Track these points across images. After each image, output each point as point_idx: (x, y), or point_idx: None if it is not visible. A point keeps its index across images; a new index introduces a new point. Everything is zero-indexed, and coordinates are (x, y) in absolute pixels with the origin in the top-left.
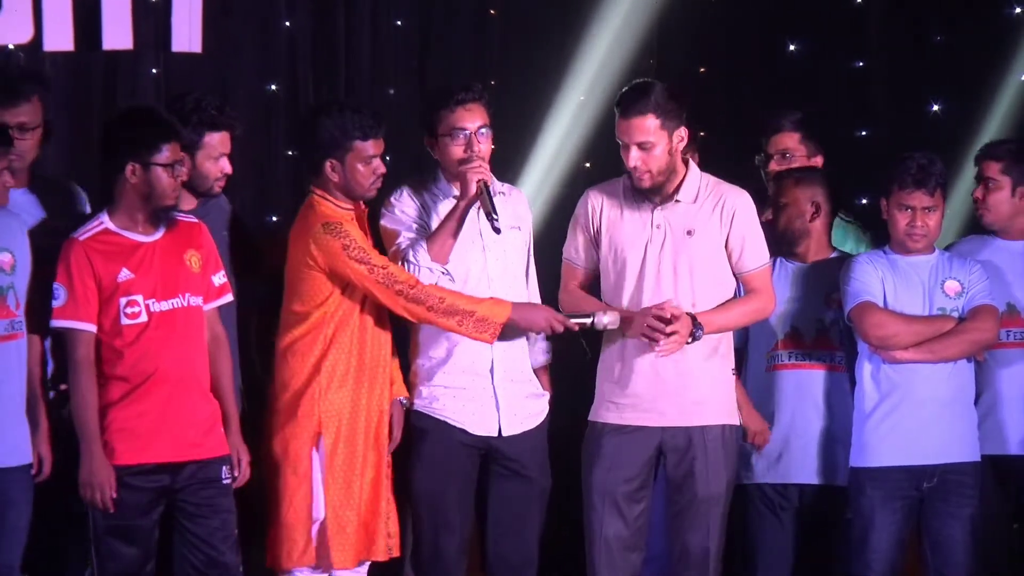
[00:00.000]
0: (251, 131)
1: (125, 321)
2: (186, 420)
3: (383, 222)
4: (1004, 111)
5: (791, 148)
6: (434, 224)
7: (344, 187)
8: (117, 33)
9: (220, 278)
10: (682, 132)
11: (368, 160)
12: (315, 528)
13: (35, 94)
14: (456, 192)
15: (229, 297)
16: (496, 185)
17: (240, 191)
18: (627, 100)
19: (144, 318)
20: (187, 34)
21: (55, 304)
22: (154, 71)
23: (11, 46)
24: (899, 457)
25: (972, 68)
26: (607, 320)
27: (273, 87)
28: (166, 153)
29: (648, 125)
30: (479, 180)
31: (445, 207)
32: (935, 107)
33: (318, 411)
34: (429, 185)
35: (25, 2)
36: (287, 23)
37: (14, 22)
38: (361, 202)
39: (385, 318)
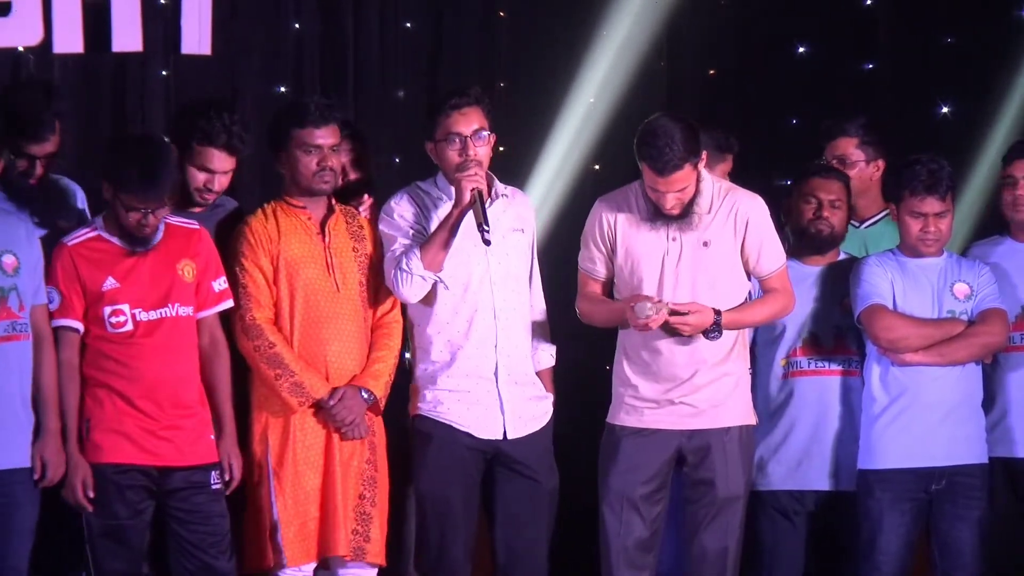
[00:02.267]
0: (259, 133)
1: (110, 329)
2: (172, 429)
3: (381, 226)
4: (1013, 113)
5: (848, 154)
6: (433, 228)
7: (293, 180)
8: (126, 35)
9: (221, 284)
10: (703, 155)
11: (309, 149)
12: (277, 530)
13: (57, 118)
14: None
15: (230, 303)
16: (499, 187)
17: (247, 193)
18: (660, 157)
19: (130, 327)
20: (196, 36)
21: (51, 307)
22: (163, 73)
23: (21, 48)
24: (907, 459)
25: (981, 70)
26: (651, 313)
27: (282, 89)
28: (129, 198)
29: (685, 174)
30: (473, 189)
31: (445, 211)
32: (944, 109)
33: (264, 416)
34: (431, 189)
35: (35, 4)
36: (296, 25)
37: (24, 24)
38: (331, 199)
39: (328, 328)
